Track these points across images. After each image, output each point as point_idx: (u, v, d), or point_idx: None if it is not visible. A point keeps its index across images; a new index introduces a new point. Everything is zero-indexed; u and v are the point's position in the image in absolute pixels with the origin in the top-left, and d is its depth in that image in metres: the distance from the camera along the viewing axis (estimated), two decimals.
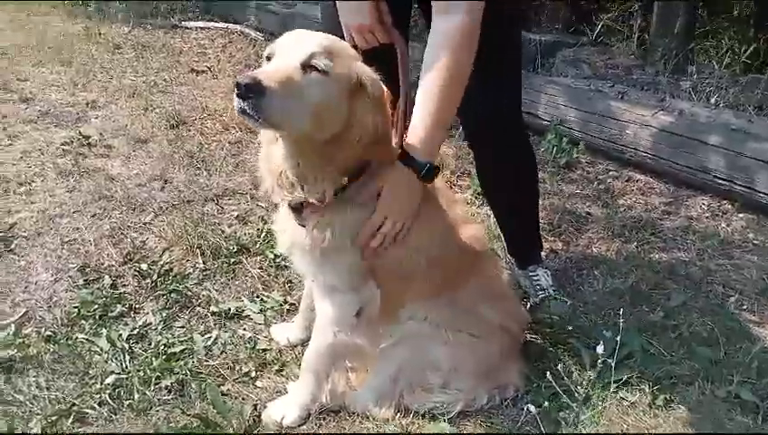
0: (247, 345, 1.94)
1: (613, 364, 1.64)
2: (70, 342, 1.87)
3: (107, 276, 2.21)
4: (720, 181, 2.96)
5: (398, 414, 1.66)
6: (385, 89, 1.42)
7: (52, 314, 1.99)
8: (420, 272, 1.55)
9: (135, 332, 1.95)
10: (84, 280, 2.18)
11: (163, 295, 2.13)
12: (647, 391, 1.79)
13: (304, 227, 1.49)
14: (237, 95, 1.20)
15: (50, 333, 1.89)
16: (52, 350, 1.83)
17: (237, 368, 1.85)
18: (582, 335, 2.01)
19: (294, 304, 2.15)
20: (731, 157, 2.92)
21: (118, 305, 2.05)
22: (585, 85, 3.74)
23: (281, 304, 2.15)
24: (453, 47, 1.47)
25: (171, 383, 1.72)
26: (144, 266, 2.26)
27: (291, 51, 1.31)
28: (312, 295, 1.84)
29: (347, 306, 1.54)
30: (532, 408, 1.56)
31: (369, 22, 1.67)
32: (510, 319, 1.74)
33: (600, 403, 1.72)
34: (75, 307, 2.01)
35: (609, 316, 2.16)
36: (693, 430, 1.66)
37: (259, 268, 2.34)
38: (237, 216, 2.69)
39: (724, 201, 3.00)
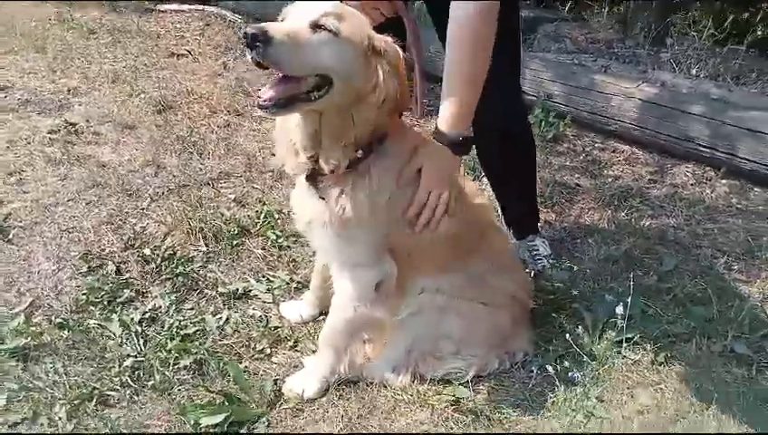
0: (259, 324, 1.97)
1: (624, 325, 1.70)
2: (82, 327, 1.87)
3: (110, 263, 2.20)
4: (703, 149, 3.05)
5: (415, 382, 1.71)
6: (402, 54, 1.44)
7: (60, 302, 2.00)
8: (436, 246, 1.59)
9: (146, 315, 1.96)
10: (88, 267, 2.18)
11: (169, 279, 2.14)
12: (648, 349, 1.87)
13: (324, 200, 1.51)
14: (246, 45, 1.25)
15: (61, 320, 1.90)
16: (65, 336, 1.84)
17: (252, 346, 1.88)
18: (583, 300, 2.08)
19: (301, 283, 2.18)
20: (713, 125, 3.02)
21: (126, 290, 2.06)
22: (568, 60, 3.80)
23: (287, 283, 2.18)
24: (474, 26, 1.49)
25: (190, 363, 1.74)
26: (147, 252, 2.26)
27: (302, 12, 1.35)
28: (322, 273, 1.89)
29: (367, 281, 1.58)
30: (549, 368, 1.62)
31: None
32: (518, 288, 1.80)
33: (605, 362, 1.80)
34: (84, 294, 2.01)
35: (606, 281, 2.24)
36: (693, 383, 1.74)
37: (262, 249, 2.36)
38: (235, 198, 2.69)
39: (708, 168, 3.10)
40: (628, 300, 1.96)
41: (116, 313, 1.95)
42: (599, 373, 1.77)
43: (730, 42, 3.95)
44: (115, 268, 2.18)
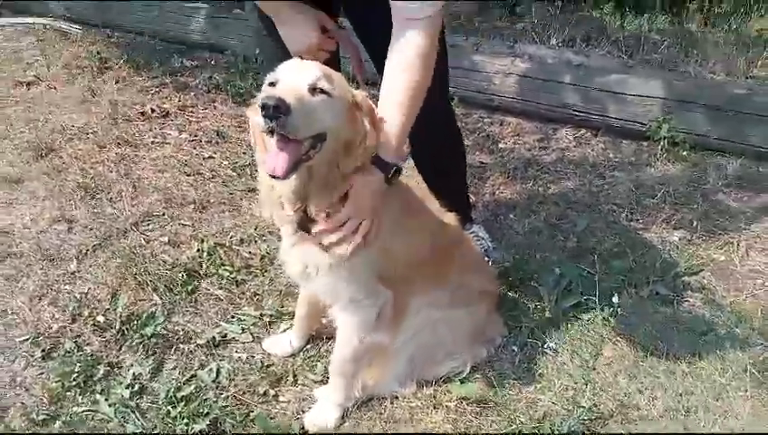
0: (251, 367, 2.00)
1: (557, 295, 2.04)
2: (71, 418, 1.78)
3: (66, 340, 2.07)
4: (578, 113, 3.48)
5: (420, 386, 1.87)
6: (373, 106, 1.56)
7: (31, 396, 1.86)
8: (422, 267, 1.74)
9: (134, 388, 1.90)
10: (42, 351, 2.03)
11: (139, 343, 2.07)
12: (594, 307, 2.19)
13: (322, 245, 1.58)
14: (265, 116, 1.30)
15: (45, 416, 1.78)
16: (57, 432, 1.73)
17: (254, 391, 1.91)
18: (528, 274, 2.36)
19: (273, 315, 2.21)
20: (582, 91, 3.45)
21: (99, 366, 1.96)
22: None
23: (259, 318, 2.21)
24: (415, 66, 1.59)
25: (207, 425, 1.74)
26: (101, 319, 2.15)
27: (296, 76, 1.42)
28: (308, 303, 1.96)
29: (369, 313, 1.69)
30: (554, 344, 1.91)
31: (317, 39, 1.75)
32: (487, 281, 2.02)
33: (567, 328, 2.09)
34: (56, 381, 1.89)
35: (538, 251, 2.54)
36: (638, 329, 2.09)
37: (220, 289, 2.34)
38: (168, 240, 2.60)
39: (583, 130, 3.54)
40: (566, 269, 2.30)
41: (99, 393, 1.87)
42: (565, 338, 2.05)
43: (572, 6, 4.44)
44: (73, 345, 2.06)
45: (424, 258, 1.76)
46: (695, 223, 2.70)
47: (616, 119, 3.37)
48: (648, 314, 2.16)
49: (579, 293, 2.24)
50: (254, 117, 1.46)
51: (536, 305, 2.21)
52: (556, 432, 1.70)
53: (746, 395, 1.86)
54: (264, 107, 1.29)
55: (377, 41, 1.71)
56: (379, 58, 1.70)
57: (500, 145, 3.50)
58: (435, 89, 2.03)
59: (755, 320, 2.15)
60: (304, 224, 1.58)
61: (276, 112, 1.28)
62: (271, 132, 1.34)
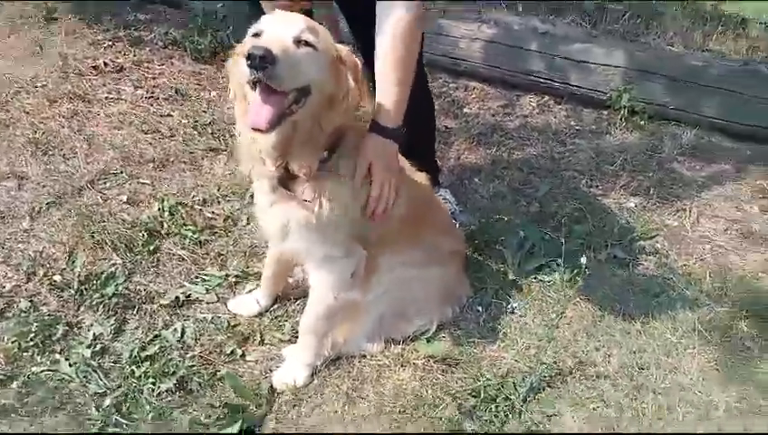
0: (217, 327, 1.98)
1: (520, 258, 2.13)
2: (30, 378, 1.73)
3: (22, 300, 2.00)
4: (541, 80, 3.51)
5: (388, 345, 1.90)
6: (357, 61, 1.53)
7: None
8: (396, 226, 1.75)
9: (95, 348, 1.86)
10: None
11: (99, 303, 2.02)
12: (555, 269, 2.26)
13: (306, 202, 1.57)
14: (250, 66, 1.28)
15: (0, 377, 1.73)
16: (15, 393, 1.69)
17: (221, 350, 1.90)
18: (493, 237, 2.40)
19: (238, 275, 2.19)
20: (547, 59, 3.47)
21: (58, 326, 1.91)
22: None
23: (224, 279, 2.18)
24: (404, 39, 1.63)
25: (174, 385, 1.73)
26: (57, 278, 2.09)
27: (281, 28, 1.40)
28: (276, 263, 1.95)
29: (344, 271, 1.70)
30: (516, 305, 2.00)
31: None
32: (457, 242, 2.05)
33: (530, 290, 2.15)
34: (12, 341, 1.83)
35: (502, 214, 2.57)
36: (596, 291, 2.17)
37: (182, 249, 2.29)
38: (127, 199, 2.52)
39: (547, 97, 3.58)
40: (529, 231, 2.35)
41: (59, 353, 1.82)
42: (527, 299, 2.11)
43: None
44: (29, 304, 1.99)
45: (398, 217, 1.76)
46: (650, 190, 2.79)
47: (578, 87, 3.42)
48: (606, 277, 2.24)
49: (541, 255, 2.30)
50: (237, 68, 1.42)
51: (500, 268, 2.25)
52: (519, 388, 1.76)
53: (694, 352, 1.96)
54: (250, 56, 1.26)
55: (360, 16, 1.70)
56: (360, 28, 1.69)
57: (464, 110, 3.51)
58: None
59: (704, 283, 2.26)
60: (285, 181, 1.56)
61: (263, 63, 1.26)
62: (255, 84, 1.32)
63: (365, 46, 1.84)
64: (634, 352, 1.95)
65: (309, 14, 1.85)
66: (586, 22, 3.87)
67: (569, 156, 3.09)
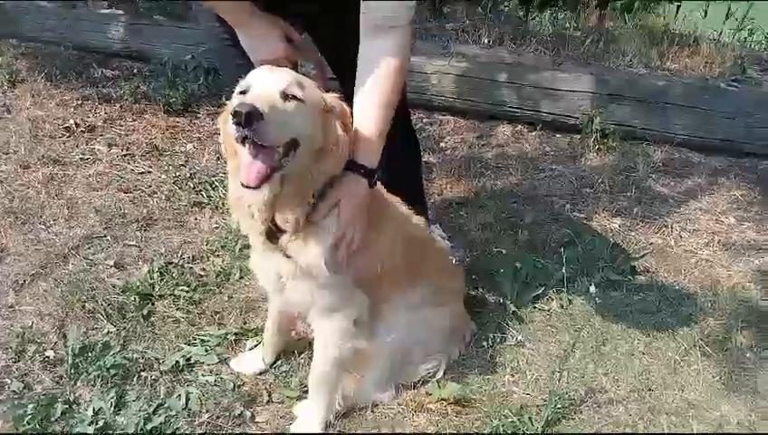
0: (221, 389, 1.93)
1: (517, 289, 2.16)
2: None
3: (13, 380, 1.92)
4: (513, 110, 3.60)
5: (399, 391, 1.88)
6: (347, 108, 1.55)
7: None
8: (396, 268, 1.75)
9: (98, 424, 1.79)
10: None
11: (97, 376, 1.95)
12: (552, 296, 2.28)
13: (288, 257, 1.56)
14: (236, 123, 1.28)
15: None
16: None
17: (229, 414, 1.85)
18: (488, 270, 2.42)
19: (238, 332, 2.15)
20: (516, 88, 3.57)
21: (56, 405, 1.83)
22: None
23: (223, 338, 2.13)
24: (389, 77, 1.62)
25: None
26: (50, 354, 2.01)
27: (267, 83, 1.41)
28: (277, 318, 1.93)
29: (346, 320, 1.68)
30: (521, 337, 1.95)
31: (284, 50, 1.72)
32: (457, 279, 2.06)
33: (531, 319, 2.17)
34: (9, 426, 1.75)
35: (492, 246, 2.61)
36: (594, 315, 2.19)
37: (177, 310, 2.24)
38: (114, 263, 2.47)
39: (519, 125, 3.66)
40: (523, 261, 2.38)
41: (60, 434, 1.75)
42: (530, 329, 2.13)
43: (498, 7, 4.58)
44: (21, 385, 1.91)
45: (398, 260, 1.76)
46: (631, 210, 2.86)
47: (549, 114, 3.51)
48: (603, 301, 2.27)
49: (536, 285, 2.32)
50: (226, 126, 1.42)
51: (498, 300, 2.27)
52: (535, 422, 1.76)
53: (699, 368, 2.00)
54: (235, 114, 1.26)
55: (342, 57, 1.71)
56: (341, 69, 1.70)
57: (441, 144, 3.57)
58: None
59: (697, 297, 2.31)
60: (272, 234, 1.56)
61: (249, 120, 1.26)
62: (243, 140, 1.32)
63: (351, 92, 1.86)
64: (641, 374, 1.97)
65: (295, 66, 1.88)
66: (549, 50, 4.00)
67: (548, 181, 3.16)
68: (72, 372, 1.96)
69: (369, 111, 1.64)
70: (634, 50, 4.02)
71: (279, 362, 2.03)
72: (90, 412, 1.83)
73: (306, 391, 1.83)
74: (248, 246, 2.42)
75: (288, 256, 1.57)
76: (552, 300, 2.27)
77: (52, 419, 1.80)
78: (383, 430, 1.77)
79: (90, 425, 1.78)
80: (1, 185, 2.93)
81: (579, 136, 3.49)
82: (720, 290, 2.35)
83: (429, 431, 1.76)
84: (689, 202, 2.96)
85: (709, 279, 2.43)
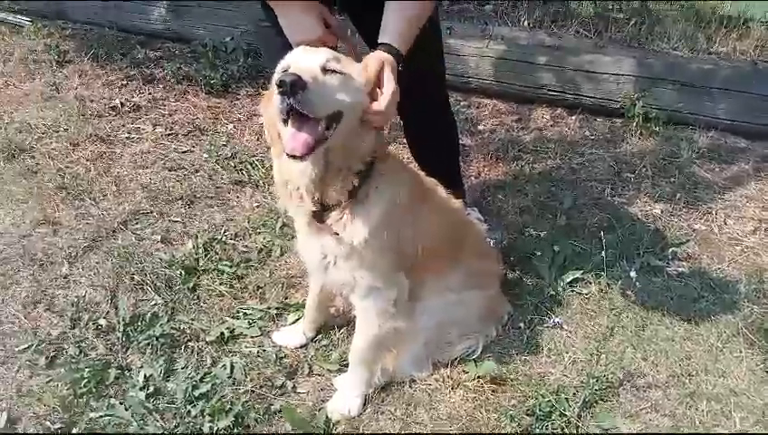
0: (264, 361, 1.99)
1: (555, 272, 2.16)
2: (90, 424, 1.75)
3: (70, 346, 2.02)
4: (553, 93, 3.55)
5: (436, 368, 1.92)
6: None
7: (43, 406, 1.81)
8: (435, 251, 1.78)
9: (148, 389, 1.87)
10: (45, 359, 1.97)
11: (146, 344, 2.04)
12: (591, 281, 2.28)
13: (337, 235, 1.59)
14: (281, 93, 1.31)
15: (60, 425, 1.74)
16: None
17: (271, 384, 1.91)
18: (525, 253, 2.42)
19: (278, 307, 2.21)
20: (557, 71, 3.52)
21: (110, 370, 1.93)
22: None
23: (265, 312, 2.20)
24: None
25: (231, 422, 1.74)
26: (102, 322, 2.11)
27: (307, 59, 1.44)
28: (318, 294, 1.98)
29: (388, 300, 1.72)
30: (559, 320, 1.98)
31: (321, 32, 1.74)
32: (494, 262, 2.07)
33: (569, 303, 2.17)
34: (67, 389, 1.85)
35: (531, 230, 2.60)
36: (634, 300, 2.18)
37: (221, 284, 2.31)
38: (161, 238, 2.55)
39: (559, 108, 3.62)
40: (561, 245, 2.37)
41: (114, 397, 1.84)
42: (567, 312, 2.13)
43: None
44: (77, 350, 2.01)
45: (437, 243, 1.79)
46: (674, 195, 2.81)
47: (590, 97, 3.46)
48: (644, 286, 2.25)
49: (575, 268, 2.32)
50: (268, 107, 1.46)
51: (536, 282, 2.28)
52: (572, 403, 1.77)
53: (741, 356, 1.98)
54: (281, 84, 1.29)
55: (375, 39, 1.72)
56: None
57: (479, 127, 3.55)
58: (431, 77, 2.06)
59: (741, 285, 2.28)
60: (319, 214, 1.59)
61: (294, 89, 1.29)
62: (287, 113, 1.34)
63: None
64: (681, 360, 1.96)
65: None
66: (590, 32, 3.93)
67: (588, 166, 3.13)
68: (124, 339, 2.06)
69: (399, 9, 1.65)
70: (679, 33, 3.92)
71: (319, 336, 2.08)
72: (141, 378, 1.91)
73: (345, 365, 1.89)
74: (287, 225, 2.50)
75: (336, 234, 1.60)
76: (591, 284, 2.26)
77: (107, 383, 1.90)
78: (420, 406, 1.80)
79: (141, 390, 1.87)
80: (53, 162, 3.04)
81: (620, 120, 3.44)
82: (766, 278, 2.30)
83: (465, 408, 1.79)
84: (735, 188, 2.89)
85: (754, 267, 2.38)
